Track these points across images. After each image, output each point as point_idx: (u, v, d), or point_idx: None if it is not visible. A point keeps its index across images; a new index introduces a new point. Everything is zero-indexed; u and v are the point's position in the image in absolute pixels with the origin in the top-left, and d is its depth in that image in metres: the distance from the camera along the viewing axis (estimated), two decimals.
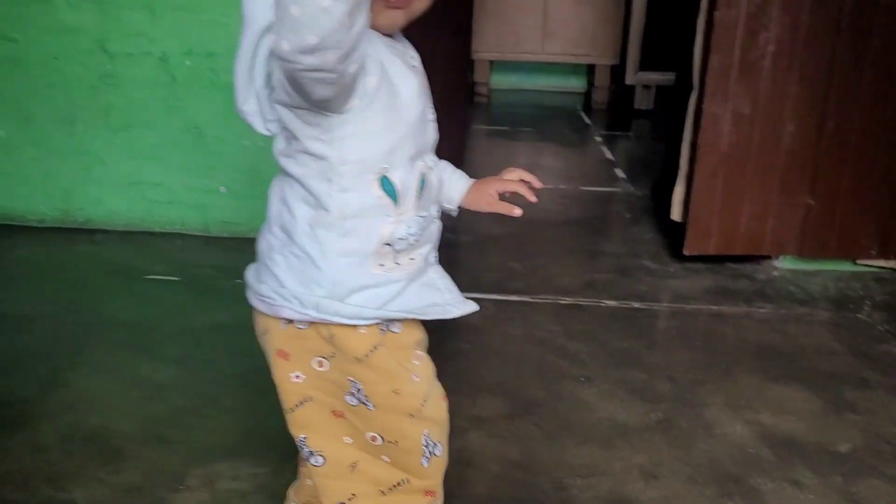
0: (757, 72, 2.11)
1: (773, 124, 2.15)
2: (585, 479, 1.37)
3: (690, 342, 1.89)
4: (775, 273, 2.30)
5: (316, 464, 1.00)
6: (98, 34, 2.27)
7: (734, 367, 1.77)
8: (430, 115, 0.95)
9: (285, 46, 0.72)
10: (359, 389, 0.95)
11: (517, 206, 1.03)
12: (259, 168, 2.35)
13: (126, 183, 2.40)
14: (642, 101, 4.56)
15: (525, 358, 1.78)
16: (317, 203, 0.88)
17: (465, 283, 0.99)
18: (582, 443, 1.47)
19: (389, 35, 0.90)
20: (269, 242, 0.94)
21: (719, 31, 2.07)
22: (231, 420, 1.50)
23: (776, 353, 1.85)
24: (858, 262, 2.29)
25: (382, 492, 0.99)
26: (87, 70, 2.31)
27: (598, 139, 4.00)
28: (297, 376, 0.96)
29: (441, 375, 1.02)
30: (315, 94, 0.78)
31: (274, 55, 0.77)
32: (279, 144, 0.91)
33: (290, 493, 1.13)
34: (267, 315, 0.94)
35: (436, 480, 1.01)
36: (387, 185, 0.88)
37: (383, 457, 0.98)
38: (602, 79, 4.73)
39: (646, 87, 4.53)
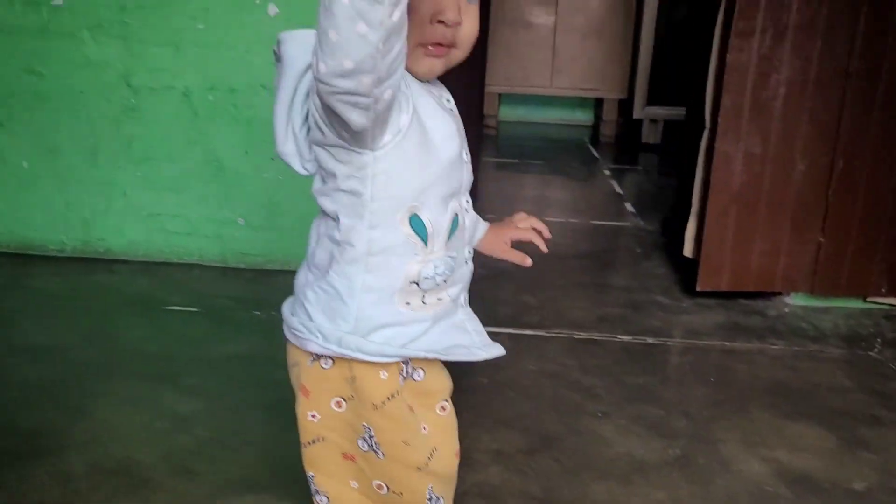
0: (768, 112, 2.15)
1: (785, 164, 2.19)
2: None
3: (704, 378, 1.91)
4: (787, 309, 2.32)
5: (320, 502, 1.01)
6: (123, 69, 2.33)
7: (748, 403, 1.80)
8: (466, 156, 0.95)
9: (322, 68, 0.74)
10: (371, 436, 0.96)
11: (528, 255, 1.08)
12: (277, 200, 2.39)
13: (146, 214, 2.44)
14: (650, 136, 4.62)
15: (542, 392, 1.80)
16: (345, 238, 0.89)
17: (480, 317, 1.01)
18: (601, 478, 1.49)
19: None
20: (305, 278, 0.96)
21: (731, 73, 2.12)
22: (255, 452, 1.52)
23: (789, 389, 1.87)
24: (869, 299, 2.32)
25: None
26: (110, 104, 2.36)
27: (607, 173, 4.05)
28: (314, 415, 0.97)
29: (459, 409, 1.05)
30: (350, 121, 0.79)
31: (312, 88, 0.80)
32: (316, 184, 0.93)
33: None
34: (297, 348, 0.96)
35: None
36: (417, 224, 0.89)
37: None
38: (610, 113, 4.80)
39: (653, 121, 4.59)
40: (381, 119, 0.81)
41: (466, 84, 2.58)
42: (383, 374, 0.93)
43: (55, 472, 1.43)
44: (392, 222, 0.88)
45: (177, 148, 2.38)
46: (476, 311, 1.01)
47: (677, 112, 4.16)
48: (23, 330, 2.01)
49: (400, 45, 0.75)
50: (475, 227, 1.04)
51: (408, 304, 0.92)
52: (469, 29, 0.88)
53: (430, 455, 0.98)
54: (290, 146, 0.92)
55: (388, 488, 0.98)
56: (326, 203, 0.91)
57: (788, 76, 2.13)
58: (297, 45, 0.89)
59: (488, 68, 4.57)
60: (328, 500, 1.01)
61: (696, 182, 2.30)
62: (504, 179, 3.85)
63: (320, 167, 0.90)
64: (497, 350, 0.99)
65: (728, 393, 1.84)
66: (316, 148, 0.89)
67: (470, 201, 0.99)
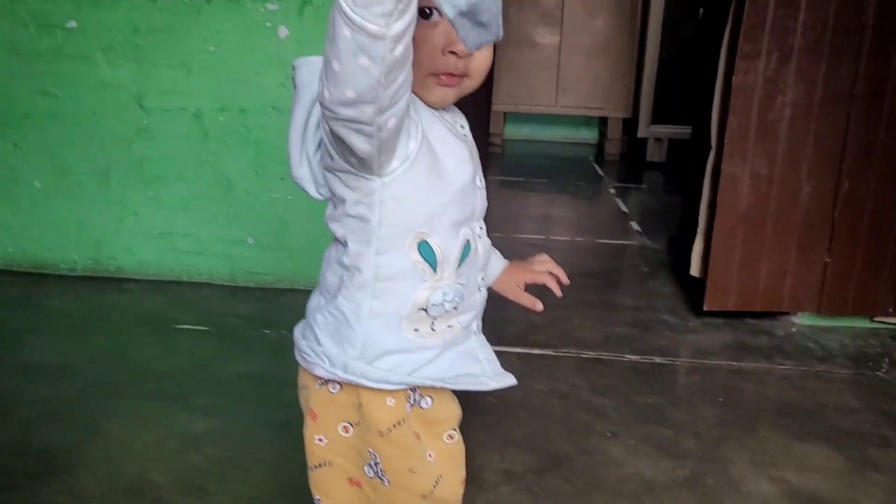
0: (774, 134, 2.17)
1: (791, 185, 2.21)
2: None
3: (713, 398, 1.92)
4: (794, 329, 2.33)
5: None
6: (136, 90, 2.36)
7: (757, 423, 1.80)
8: (480, 182, 0.95)
9: (327, 96, 0.75)
10: (376, 462, 0.95)
11: (539, 300, 1.07)
12: (286, 220, 2.41)
13: (156, 234, 2.46)
14: (654, 154, 4.65)
15: (551, 412, 1.81)
16: (353, 263, 0.89)
17: (488, 337, 1.01)
18: (611, 499, 1.49)
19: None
20: (317, 301, 0.97)
21: (737, 95, 2.14)
22: (266, 471, 1.53)
23: (798, 409, 1.88)
24: (876, 319, 2.33)
25: None
26: (123, 125, 2.39)
27: (612, 191, 4.07)
28: (321, 439, 0.97)
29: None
30: (354, 147, 0.79)
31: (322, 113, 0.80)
32: (328, 209, 0.93)
33: None
34: (306, 371, 0.96)
35: None
36: (426, 251, 0.89)
37: None
38: (614, 131, 4.82)
39: (657, 139, 4.62)
40: (386, 146, 0.81)
41: (474, 102, 2.60)
42: (390, 401, 0.93)
43: (68, 492, 1.44)
44: (400, 248, 0.88)
45: (188, 168, 2.41)
46: (483, 330, 1.01)
47: (682, 131, 4.20)
48: (35, 348, 2.03)
49: (403, 78, 0.75)
50: (489, 256, 1.03)
51: (416, 330, 0.91)
52: (482, 59, 0.88)
53: (436, 483, 0.98)
54: (305, 171, 0.93)
55: None
56: (336, 228, 0.91)
57: (794, 98, 2.15)
58: (312, 71, 0.89)
59: (494, 87, 4.60)
60: None
61: (703, 202, 2.31)
62: (509, 198, 3.87)
63: (331, 192, 0.91)
64: (508, 380, 0.97)
65: (736, 413, 1.85)
66: (327, 173, 0.89)
67: (484, 227, 0.98)
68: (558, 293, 1.08)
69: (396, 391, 0.93)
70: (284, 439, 1.60)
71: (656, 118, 4.54)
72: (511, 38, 4.57)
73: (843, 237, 2.25)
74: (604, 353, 2.13)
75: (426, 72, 0.85)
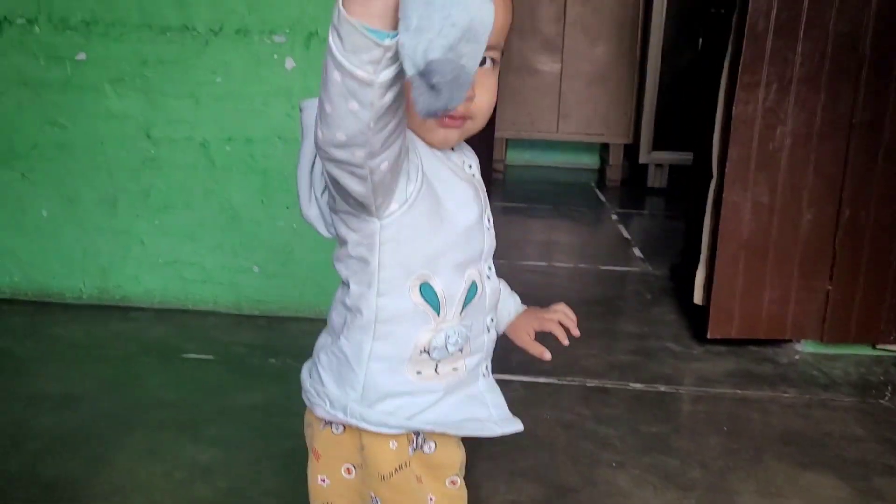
0: (775, 163, 2.20)
1: (792, 213, 2.23)
2: None
3: (718, 427, 1.92)
4: (797, 357, 2.34)
5: None
6: (143, 121, 2.39)
7: (763, 453, 1.81)
8: (488, 222, 0.94)
9: (320, 136, 0.74)
10: None
11: (548, 349, 1.06)
12: (291, 248, 2.43)
13: (162, 262, 2.48)
14: (655, 180, 4.67)
15: (556, 442, 1.82)
16: (354, 305, 0.89)
17: (493, 365, 1.00)
18: None
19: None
20: (324, 341, 0.97)
21: (738, 125, 2.17)
22: (273, 503, 1.53)
23: (803, 438, 1.88)
24: (878, 346, 2.34)
25: None
26: (130, 154, 2.41)
27: (614, 217, 4.09)
28: (324, 480, 0.97)
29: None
30: (349, 188, 0.78)
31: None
32: (335, 250, 0.93)
33: None
34: (311, 410, 0.97)
35: None
36: (428, 293, 0.88)
37: None
38: (616, 157, 4.86)
39: (658, 165, 4.65)
40: (382, 188, 0.80)
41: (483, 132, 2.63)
42: (393, 445, 0.92)
43: None
44: (401, 290, 0.87)
45: (194, 197, 2.43)
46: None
47: (682, 157, 4.22)
48: (41, 378, 2.04)
49: (395, 123, 0.74)
50: (498, 297, 1.00)
51: (419, 373, 0.90)
52: (484, 100, 0.88)
53: None
54: (314, 211, 0.93)
55: None
56: (341, 269, 0.91)
57: (794, 128, 2.18)
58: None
59: (497, 114, 4.64)
60: None
61: (705, 230, 2.33)
62: (512, 224, 3.89)
63: (335, 233, 0.91)
64: (515, 426, 0.96)
65: (742, 442, 1.85)
66: (332, 214, 0.90)
67: (493, 268, 0.96)
68: (565, 342, 1.06)
69: (399, 435, 0.92)
70: (291, 470, 1.59)
71: (657, 144, 4.58)
72: (513, 66, 4.62)
73: (845, 265, 2.26)
74: (608, 382, 2.13)
75: None
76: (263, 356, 2.18)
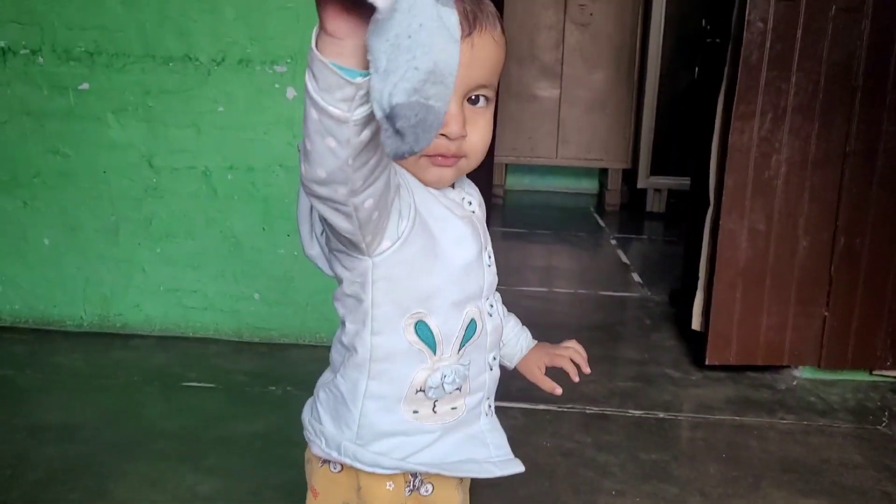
0: (771, 191, 2.22)
1: (788, 240, 2.25)
2: None
3: (717, 454, 1.93)
4: (795, 383, 2.35)
5: None
6: (146, 150, 2.41)
7: (762, 480, 1.81)
8: (488, 259, 0.93)
9: (303, 172, 0.74)
10: None
11: (559, 385, 1.06)
12: (292, 276, 2.44)
13: (164, 290, 2.50)
14: (654, 205, 4.70)
15: (557, 470, 1.82)
16: (350, 343, 0.89)
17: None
18: None
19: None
20: (325, 378, 0.97)
21: (734, 154, 2.19)
22: None
23: (801, 465, 1.89)
24: (875, 372, 2.35)
25: None
26: (133, 183, 2.44)
27: (613, 242, 4.11)
28: None
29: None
30: (335, 225, 0.78)
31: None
32: (335, 289, 0.91)
33: None
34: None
35: None
36: (423, 331, 0.87)
37: None
38: (614, 182, 4.89)
39: (657, 190, 4.68)
40: (370, 226, 0.79)
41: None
42: (389, 485, 0.92)
43: None
44: (395, 329, 0.87)
45: (196, 225, 2.45)
46: None
47: (681, 182, 4.25)
48: (42, 407, 2.04)
49: (375, 160, 0.72)
50: (499, 333, 0.98)
51: (415, 412, 0.89)
52: (477, 139, 0.87)
53: None
54: (316, 250, 0.93)
55: None
56: (338, 307, 0.91)
57: (789, 156, 2.20)
58: None
59: (496, 140, 4.68)
60: None
61: (703, 257, 2.35)
62: (511, 249, 3.91)
63: (332, 271, 0.91)
64: (515, 467, 0.95)
65: (741, 469, 1.86)
66: (329, 253, 0.89)
67: (494, 305, 0.95)
68: (575, 378, 1.06)
69: (396, 475, 0.92)
70: (291, 501, 1.61)
71: (655, 169, 4.61)
72: (512, 92, 4.66)
73: (841, 291, 2.28)
74: (608, 409, 2.14)
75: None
76: (264, 384, 2.19)
